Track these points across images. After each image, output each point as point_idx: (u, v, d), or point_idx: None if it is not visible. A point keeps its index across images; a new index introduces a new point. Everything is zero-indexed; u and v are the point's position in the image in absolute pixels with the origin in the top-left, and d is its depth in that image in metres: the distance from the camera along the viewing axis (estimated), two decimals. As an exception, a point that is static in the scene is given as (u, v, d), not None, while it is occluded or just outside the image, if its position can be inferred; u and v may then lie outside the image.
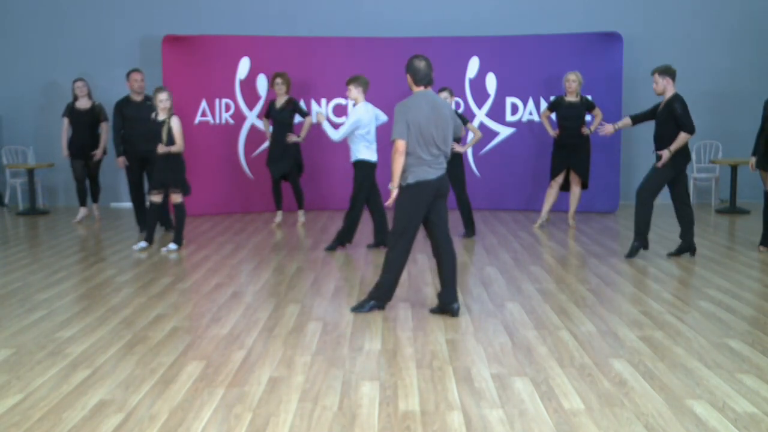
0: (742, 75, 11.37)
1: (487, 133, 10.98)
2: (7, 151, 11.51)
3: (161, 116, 7.93)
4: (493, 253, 7.91)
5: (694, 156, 11.39)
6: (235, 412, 3.85)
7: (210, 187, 10.68)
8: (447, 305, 5.57)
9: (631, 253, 7.54)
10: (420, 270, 7.08)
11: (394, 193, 5.49)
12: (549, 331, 5.17)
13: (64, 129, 9.81)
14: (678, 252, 7.64)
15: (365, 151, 7.73)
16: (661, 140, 7.42)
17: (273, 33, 11.00)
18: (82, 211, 10.11)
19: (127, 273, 7.09)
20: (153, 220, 8.24)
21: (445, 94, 8.48)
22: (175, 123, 7.94)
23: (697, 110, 11.45)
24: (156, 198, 8.10)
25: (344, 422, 3.72)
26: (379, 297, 5.71)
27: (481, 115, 10.98)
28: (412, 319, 5.50)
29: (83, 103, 9.78)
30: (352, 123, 7.64)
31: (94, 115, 9.83)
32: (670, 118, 7.31)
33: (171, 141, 7.88)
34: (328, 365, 4.53)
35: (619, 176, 10.81)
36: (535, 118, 10.90)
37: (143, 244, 8.14)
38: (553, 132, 9.30)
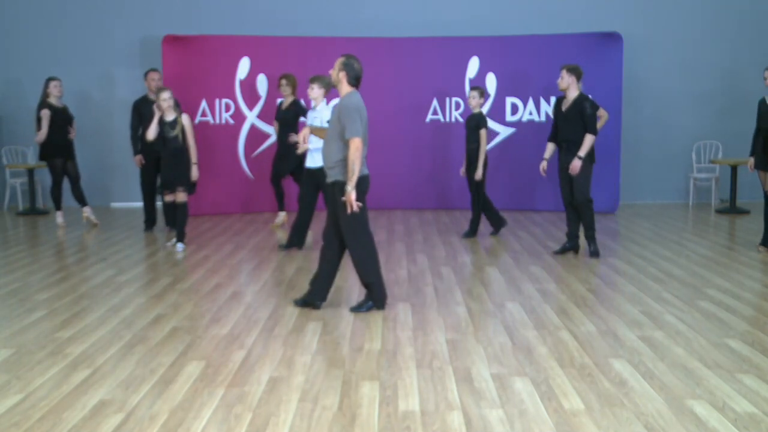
0: (742, 75, 11.37)
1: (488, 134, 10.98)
2: (7, 151, 11.51)
3: (170, 116, 7.92)
4: (493, 253, 7.91)
5: (694, 156, 11.39)
6: (235, 412, 3.85)
7: (210, 187, 10.68)
8: (313, 300, 5.74)
9: (595, 253, 7.56)
10: (420, 270, 7.09)
11: (353, 195, 5.40)
12: (549, 331, 5.17)
13: (47, 118, 9.37)
14: (563, 251, 7.75)
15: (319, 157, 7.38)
16: (572, 143, 7.43)
17: (273, 33, 11.00)
18: (60, 215, 9.87)
19: (127, 273, 7.09)
20: (173, 219, 8.29)
21: (472, 93, 8.56)
22: (187, 121, 7.98)
23: (697, 110, 11.53)
24: (170, 198, 8.14)
25: (344, 422, 3.72)
26: (375, 298, 5.73)
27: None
28: (412, 319, 5.50)
29: (57, 102, 9.62)
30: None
31: (67, 114, 9.71)
32: (579, 118, 7.36)
33: (183, 139, 7.91)
34: (328, 365, 4.53)
35: (619, 176, 10.80)
36: (535, 118, 10.90)
37: (180, 245, 8.17)
38: None
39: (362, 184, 5.54)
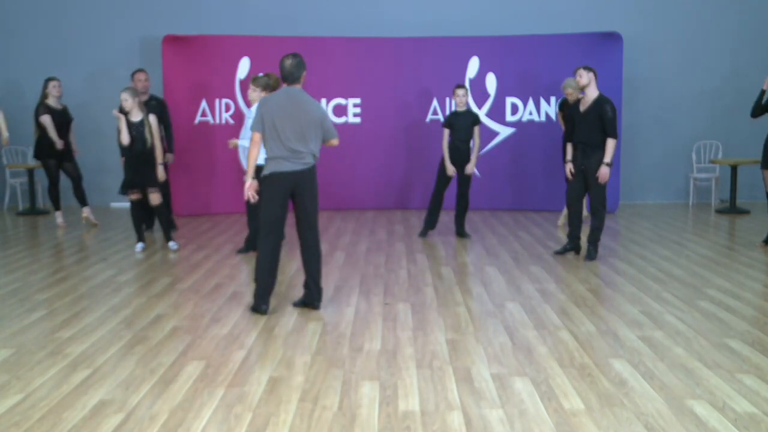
0: (742, 75, 11.37)
1: (487, 133, 10.99)
2: (7, 151, 11.50)
3: (136, 116, 7.92)
4: (493, 253, 7.91)
5: (694, 156, 11.39)
6: (235, 412, 3.85)
7: (210, 187, 10.69)
8: (310, 301, 5.78)
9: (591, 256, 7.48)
10: (420, 270, 7.09)
11: (248, 184, 5.60)
12: (549, 331, 5.17)
13: (50, 124, 9.40)
14: (563, 251, 7.70)
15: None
16: (588, 145, 7.30)
17: (273, 33, 11.00)
18: (60, 215, 9.86)
19: (127, 273, 7.09)
20: (139, 219, 8.19)
21: (462, 91, 8.52)
22: (154, 121, 8.06)
23: (698, 110, 11.53)
24: (136, 197, 8.07)
25: (344, 422, 3.72)
26: (257, 298, 5.65)
27: (481, 115, 10.97)
28: (412, 319, 5.50)
29: (56, 103, 9.61)
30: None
31: (66, 115, 9.72)
32: (599, 120, 7.22)
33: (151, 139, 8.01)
34: (328, 365, 4.53)
35: (620, 176, 10.81)
36: (535, 118, 10.90)
37: (141, 245, 8.13)
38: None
39: (269, 180, 5.54)
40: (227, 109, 10.71)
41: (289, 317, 5.57)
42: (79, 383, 4.25)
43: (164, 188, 9.31)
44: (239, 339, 5.06)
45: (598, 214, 7.42)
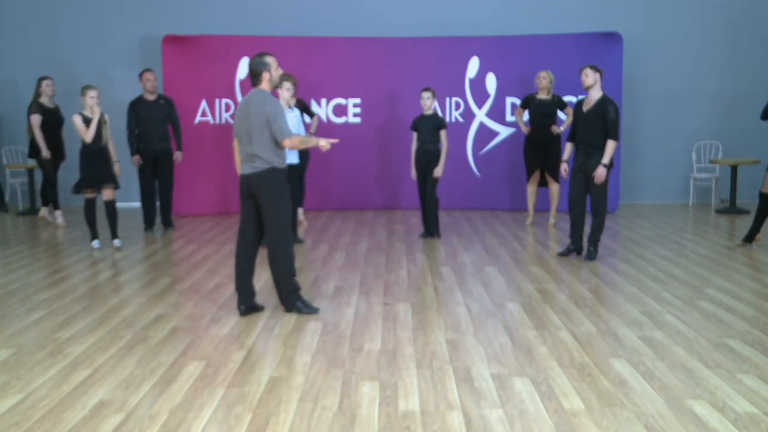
0: (742, 75, 11.37)
1: (487, 133, 10.99)
2: (7, 151, 11.50)
3: (96, 113, 8.01)
4: (493, 253, 7.91)
5: (694, 156, 11.38)
6: (235, 412, 3.85)
7: (210, 187, 10.69)
8: (281, 301, 5.77)
9: (591, 256, 7.47)
10: (420, 270, 7.09)
11: None
12: (549, 331, 5.17)
13: (37, 126, 9.48)
14: (567, 252, 7.64)
15: None
16: (590, 146, 7.27)
17: (273, 33, 11.00)
18: (60, 215, 9.89)
19: (127, 273, 7.09)
20: (93, 216, 8.18)
21: (427, 94, 8.47)
22: (107, 119, 8.22)
23: (697, 110, 11.52)
24: (91, 195, 8.10)
25: (344, 422, 3.72)
26: (237, 296, 5.72)
27: (481, 115, 10.97)
28: (412, 319, 5.50)
29: (49, 102, 9.65)
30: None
31: (58, 115, 9.74)
32: (601, 121, 7.20)
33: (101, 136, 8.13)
34: (328, 365, 4.53)
35: (620, 176, 10.81)
36: (535, 118, 10.89)
37: (97, 242, 8.22)
38: (526, 129, 9.48)
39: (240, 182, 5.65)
40: (227, 109, 10.71)
41: (289, 317, 5.56)
42: (79, 383, 4.25)
43: (167, 188, 9.34)
44: (239, 339, 5.06)
45: (599, 214, 7.42)
